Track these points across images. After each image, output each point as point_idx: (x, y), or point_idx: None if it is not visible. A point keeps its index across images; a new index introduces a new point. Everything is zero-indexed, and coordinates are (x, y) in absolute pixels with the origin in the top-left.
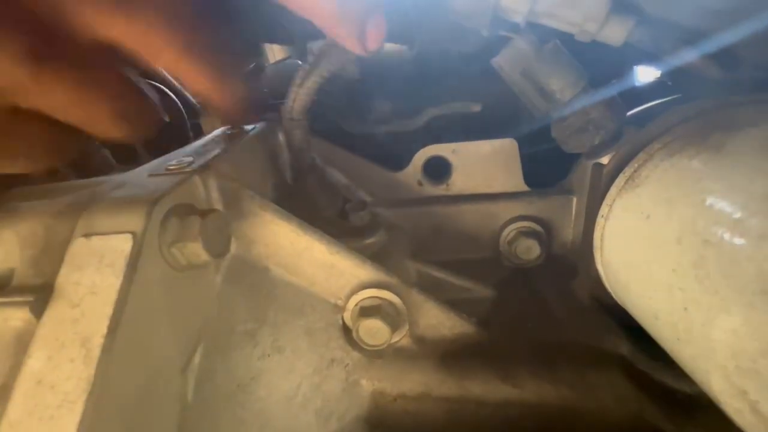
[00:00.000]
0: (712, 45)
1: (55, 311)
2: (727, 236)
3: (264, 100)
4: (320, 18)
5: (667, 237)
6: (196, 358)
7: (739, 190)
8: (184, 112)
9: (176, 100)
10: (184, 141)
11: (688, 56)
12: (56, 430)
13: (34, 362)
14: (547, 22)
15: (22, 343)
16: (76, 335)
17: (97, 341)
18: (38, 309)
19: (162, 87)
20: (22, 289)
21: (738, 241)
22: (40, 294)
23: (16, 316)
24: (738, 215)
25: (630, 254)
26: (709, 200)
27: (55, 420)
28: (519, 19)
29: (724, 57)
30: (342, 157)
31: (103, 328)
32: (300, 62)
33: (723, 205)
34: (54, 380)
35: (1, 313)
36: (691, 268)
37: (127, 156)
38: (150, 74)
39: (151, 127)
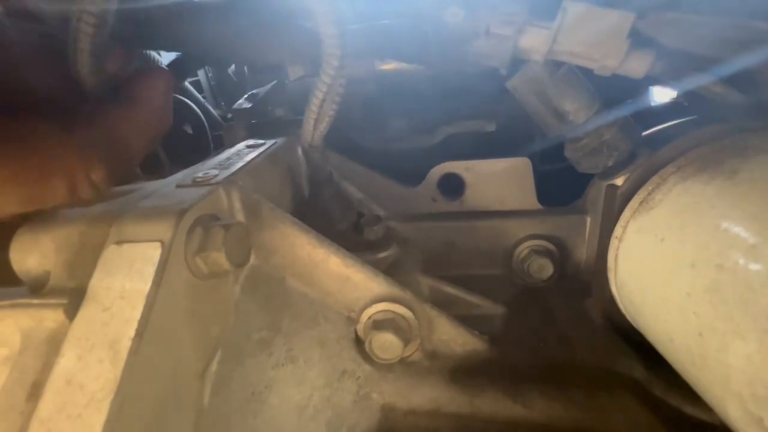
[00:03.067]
0: (730, 71)
1: (86, 314)
2: (741, 262)
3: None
4: None
5: (681, 261)
6: (213, 365)
7: (753, 217)
8: (206, 124)
9: (198, 112)
10: (205, 151)
11: (707, 83)
12: (83, 428)
13: (65, 362)
14: (567, 59)
15: (54, 343)
16: (105, 337)
17: (125, 343)
18: (71, 311)
19: (185, 100)
20: (56, 292)
21: (753, 267)
22: (73, 297)
23: (51, 317)
24: (753, 241)
25: (644, 276)
26: (724, 226)
27: (82, 418)
28: (538, 57)
29: (742, 81)
30: (357, 171)
31: (131, 331)
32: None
33: (737, 231)
34: (83, 380)
35: (37, 314)
36: (705, 292)
37: (152, 165)
38: (175, 89)
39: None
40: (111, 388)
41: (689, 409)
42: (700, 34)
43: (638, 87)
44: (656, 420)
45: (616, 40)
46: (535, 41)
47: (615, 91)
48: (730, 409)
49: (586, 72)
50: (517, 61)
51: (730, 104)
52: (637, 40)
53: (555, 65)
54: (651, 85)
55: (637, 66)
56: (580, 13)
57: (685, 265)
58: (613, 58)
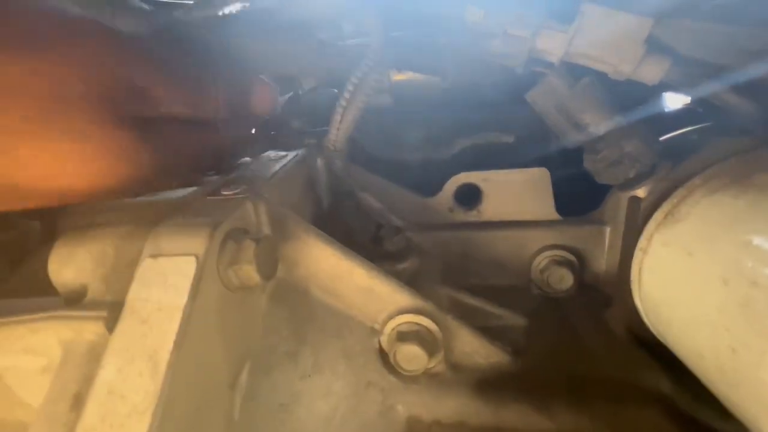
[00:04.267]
0: (744, 80)
1: (125, 326)
2: None
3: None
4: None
5: (711, 276)
6: (243, 376)
7: None
8: None
9: None
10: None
11: (721, 91)
12: None
13: (106, 373)
14: (582, 62)
15: (94, 354)
16: (144, 349)
17: (164, 356)
18: (111, 324)
19: None
20: (95, 305)
21: None
22: (111, 310)
23: (90, 330)
24: None
25: (671, 290)
26: (756, 241)
27: (125, 428)
28: (554, 59)
29: (756, 91)
30: (374, 182)
31: (170, 344)
32: (335, 90)
33: None
34: (124, 391)
35: (78, 326)
36: (738, 308)
37: None
38: None
39: None
40: (152, 400)
41: (719, 425)
42: (715, 42)
43: (652, 93)
44: None
45: (633, 45)
46: (551, 43)
47: (630, 96)
48: (765, 426)
49: (603, 79)
50: (536, 74)
51: (743, 113)
52: (653, 46)
53: (574, 78)
54: (665, 91)
55: (653, 71)
56: (598, 16)
57: (716, 281)
58: (629, 63)
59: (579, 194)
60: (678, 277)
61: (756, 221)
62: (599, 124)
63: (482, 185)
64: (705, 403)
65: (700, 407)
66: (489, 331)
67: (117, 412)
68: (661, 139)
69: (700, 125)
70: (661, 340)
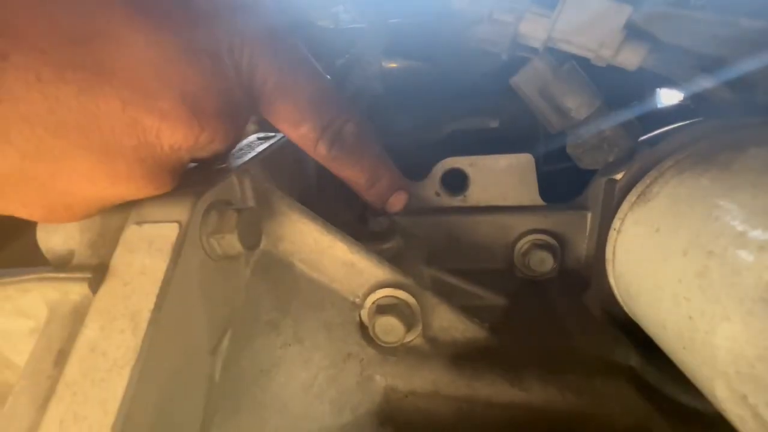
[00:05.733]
0: (726, 70)
1: (109, 287)
2: (730, 248)
3: None
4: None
5: (674, 249)
6: (225, 342)
7: (742, 205)
8: None
9: None
10: None
11: (702, 81)
12: (107, 391)
13: (89, 332)
14: (564, 47)
15: (78, 315)
16: (126, 309)
17: (145, 315)
18: (95, 285)
19: None
20: (81, 268)
21: (740, 252)
22: (96, 272)
23: (75, 291)
24: (740, 228)
25: (640, 266)
26: (715, 214)
27: (106, 382)
28: (537, 44)
29: (738, 82)
30: None
31: (151, 304)
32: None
33: (727, 219)
34: (106, 348)
35: (63, 287)
36: (695, 278)
37: None
38: None
39: None
40: (132, 356)
41: (683, 398)
42: (694, 31)
43: (645, 88)
44: (650, 406)
45: (612, 31)
46: (534, 28)
47: (623, 92)
48: (717, 389)
49: (598, 73)
50: (520, 58)
51: (723, 101)
52: (633, 33)
53: (558, 62)
54: (657, 86)
55: (631, 57)
56: (578, 3)
57: (677, 253)
58: (608, 48)
59: (570, 184)
60: (646, 254)
61: (716, 196)
62: (581, 109)
63: (468, 170)
64: (670, 377)
65: (665, 381)
66: (469, 310)
67: (98, 368)
68: (650, 135)
69: (690, 121)
70: (632, 316)
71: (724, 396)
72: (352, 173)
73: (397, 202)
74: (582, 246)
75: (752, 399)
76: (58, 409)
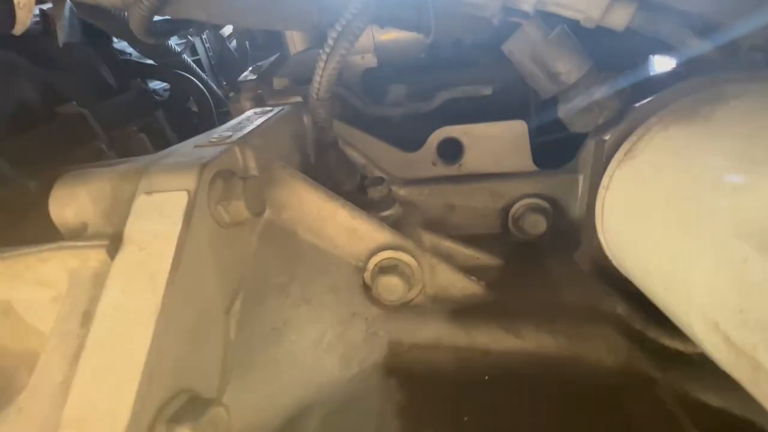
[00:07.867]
0: (712, 29)
1: (126, 253)
2: (706, 192)
3: None
4: None
5: (657, 199)
6: (237, 304)
7: (719, 153)
8: (210, 101)
9: (204, 90)
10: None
11: (689, 40)
12: (132, 343)
13: (111, 292)
14: (554, 9)
15: (98, 279)
16: (144, 271)
17: (162, 276)
18: (112, 251)
19: (190, 78)
20: (97, 236)
21: (714, 195)
22: (112, 240)
23: (94, 257)
24: (716, 173)
25: (627, 219)
26: (694, 162)
27: (131, 337)
28: (527, 8)
29: (723, 40)
30: (360, 138)
31: (167, 266)
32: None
33: (705, 166)
34: (128, 306)
35: (82, 254)
36: (675, 222)
37: (159, 140)
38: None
39: None
40: (154, 311)
41: (666, 341)
42: None
43: (639, 56)
44: (634, 347)
45: None
46: None
47: (617, 60)
48: (693, 322)
49: (593, 39)
50: (512, 24)
51: (709, 60)
52: None
53: (548, 27)
54: (649, 53)
55: (619, 17)
56: None
57: (660, 202)
58: (597, 8)
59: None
60: (632, 206)
61: (695, 147)
62: (571, 73)
63: (463, 138)
64: (654, 323)
65: (648, 325)
66: (467, 270)
67: (123, 324)
68: (644, 101)
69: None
70: (619, 268)
71: (699, 327)
72: None
73: None
74: (574, 209)
75: (723, 324)
76: (90, 363)
